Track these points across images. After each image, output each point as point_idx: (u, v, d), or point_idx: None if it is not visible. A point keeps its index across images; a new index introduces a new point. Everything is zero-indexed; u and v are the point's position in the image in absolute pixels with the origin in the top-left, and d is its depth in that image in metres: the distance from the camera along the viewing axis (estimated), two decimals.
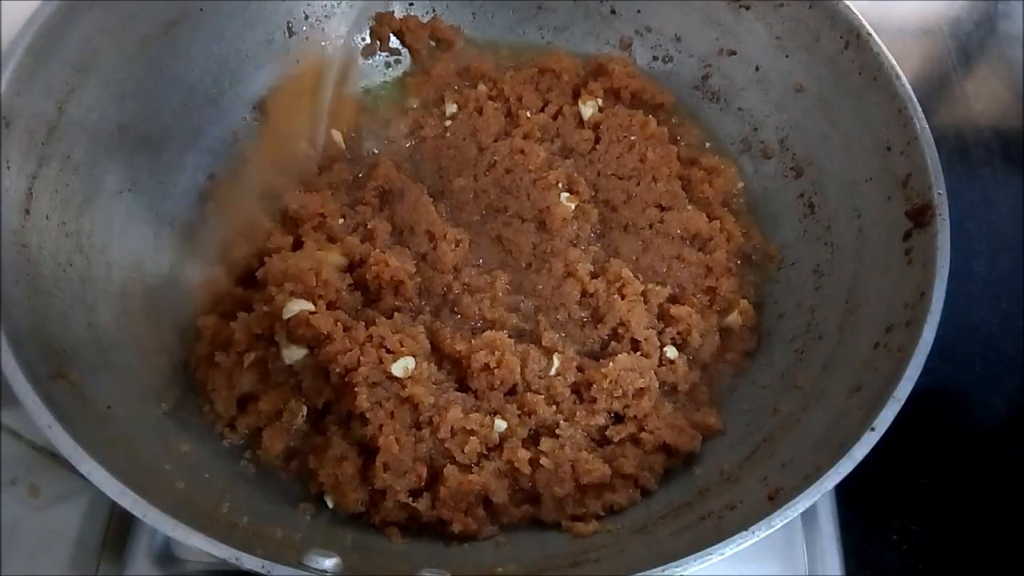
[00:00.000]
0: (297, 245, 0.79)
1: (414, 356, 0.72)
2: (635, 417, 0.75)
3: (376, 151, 0.93)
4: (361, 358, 0.70)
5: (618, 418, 0.76)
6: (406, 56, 1.01)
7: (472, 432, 0.71)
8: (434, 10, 1.00)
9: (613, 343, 0.79)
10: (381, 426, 0.69)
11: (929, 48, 1.23)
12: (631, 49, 1.00)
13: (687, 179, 0.91)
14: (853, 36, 0.80)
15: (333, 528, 0.69)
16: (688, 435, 0.75)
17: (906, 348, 0.64)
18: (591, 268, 0.83)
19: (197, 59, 0.86)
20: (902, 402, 0.61)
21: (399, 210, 0.85)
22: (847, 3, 0.81)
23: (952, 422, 0.91)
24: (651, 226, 0.87)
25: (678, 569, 0.55)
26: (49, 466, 0.80)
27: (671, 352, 0.79)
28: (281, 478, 0.72)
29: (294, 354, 0.72)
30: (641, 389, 0.74)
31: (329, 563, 0.56)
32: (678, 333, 0.80)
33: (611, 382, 0.74)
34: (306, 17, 0.95)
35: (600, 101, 0.94)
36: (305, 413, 0.73)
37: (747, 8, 0.89)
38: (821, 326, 0.78)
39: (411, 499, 0.69)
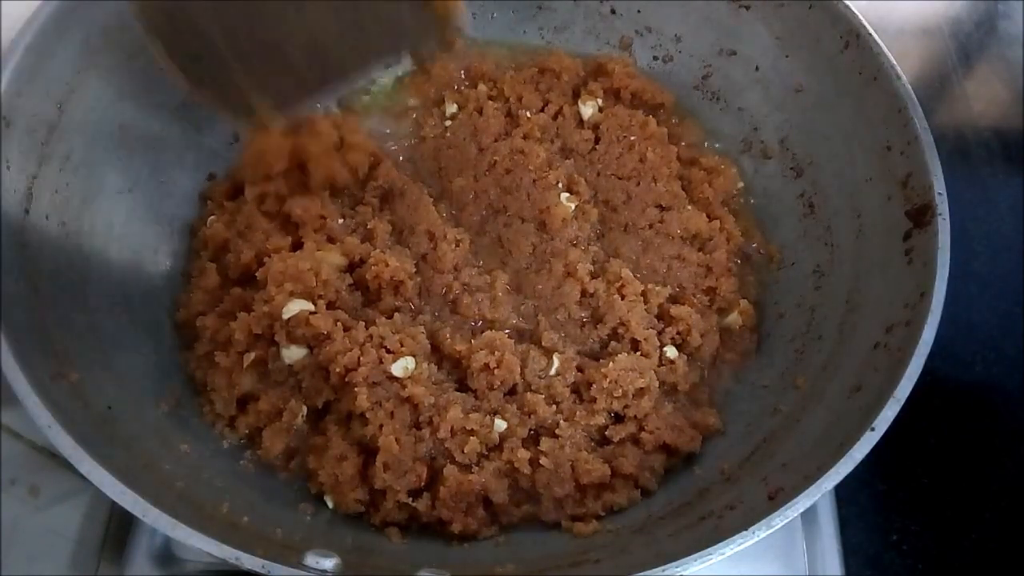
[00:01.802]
0: (297, 245, 0.79)
1: (414, 356, 0.72)
2: (635, 417, 0.74)
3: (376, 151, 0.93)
4: (361, 358, 0.70)
5: (618, 418, 0.76)
6: (406, 56, 1.01)
7: (472, 432, 0.71)
8: None
9: (613, 343, 0.79)
10: (381, 426, 0.69)
11: (929, 48, 1.23)
12: (631, 49, 0.99)
13: (687, 179, 0.91)
14: (853, 36, 0.80)
15: (333, 528, 0.69)
16: (688, 435, 0.75)
17: (906, 348, 0.64)
18: (591, 268, 0.83)
19: None
20: (902, 402, 0.61)
21: (399, 210, 0.85)
22: (847, 3, 0.81)
23: (952, 422, 0.91)
24: (651, 226, 0.87)
25: (678, 569, 0.55)
26: (49, 466, 0.80)
27: (671, 352, 0.79)
28: (281, 478, 0.72)
29: (294, 354, 0.72)
30: (641, 389, 0.74)
31: (329, 563, 0.56)
32: (678, 333, 0.80)
33: (611, 382, 0.74)
34: None
35: (600, 101, 0.94)
36: (305, 413, 0.73)
37: (747, 8, 0.89)
38: (821, 326, 0.78)
39: (411, 499, 0.69)
